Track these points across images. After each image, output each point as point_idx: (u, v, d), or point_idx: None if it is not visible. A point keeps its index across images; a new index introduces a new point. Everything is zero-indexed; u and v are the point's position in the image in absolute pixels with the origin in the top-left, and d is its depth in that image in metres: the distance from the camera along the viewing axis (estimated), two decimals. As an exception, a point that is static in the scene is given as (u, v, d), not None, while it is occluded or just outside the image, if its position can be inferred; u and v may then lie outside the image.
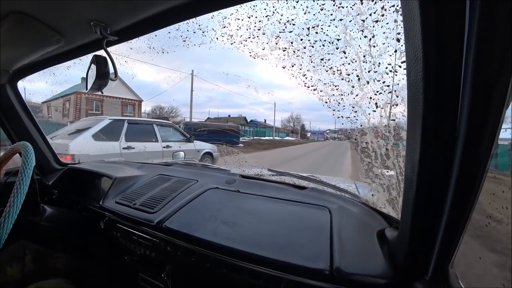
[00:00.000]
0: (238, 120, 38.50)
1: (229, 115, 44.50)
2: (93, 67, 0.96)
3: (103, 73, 0.94)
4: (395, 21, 0.78)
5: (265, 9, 1.12)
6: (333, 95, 1.07)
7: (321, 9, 0.96)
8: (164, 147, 5.46)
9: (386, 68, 0.87)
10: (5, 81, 1.41)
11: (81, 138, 4.38)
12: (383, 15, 0.81)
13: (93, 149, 4.30)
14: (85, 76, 1.04)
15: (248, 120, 45.29)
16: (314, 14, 0.98)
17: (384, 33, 0.83)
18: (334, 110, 1.09)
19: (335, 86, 1.05)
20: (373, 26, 0.84)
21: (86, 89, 1.03)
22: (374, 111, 0.96)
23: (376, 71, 0.89)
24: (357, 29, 0.86)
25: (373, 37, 0.86)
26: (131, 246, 1.13)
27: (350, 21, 0.87)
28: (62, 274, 1.35)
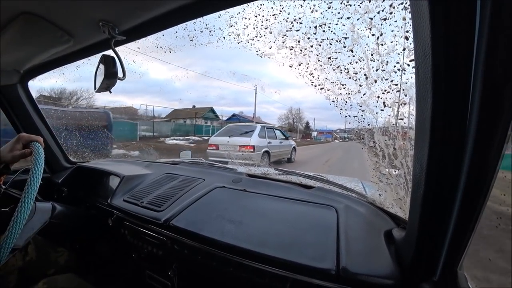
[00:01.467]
0: (201, 112, 31.01)
1: (193, 106, 34.47)
2: (102, 66, 0.97)
3: (111, 72, 0.95)
4: (404, 19, 0.77)
5: (272, 7, 1.11)
6: (341, 94, 1.06)
7: (329, 7, 0.95)
8: (279, 142, 8.77)
9: (394, 66, 0.86)
10: (16, 81, 1.44)
11: (254, 136, 7.66)
12: (391, 13, 0.80)
13: (259, 143, 7.63)
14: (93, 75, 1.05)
15: (231, 114, 36.33)
16: (321, 13, 0.98)
17: (392, 31, 0.82)
18: (341, 109, 1.08)
19: (343, 85, 1.04)
20: (381, 24, 0.83)
21: (95, 88, 1.04)
22: (382, 110, 0.95)
23: (384, 70, 0.88)
24: (365, 27, 0.85)
25: (381, 35, 0.85)
26: (139, 243, 1.14)
27: (357, 19, 0.86)
28: (64, 268, 1.38)
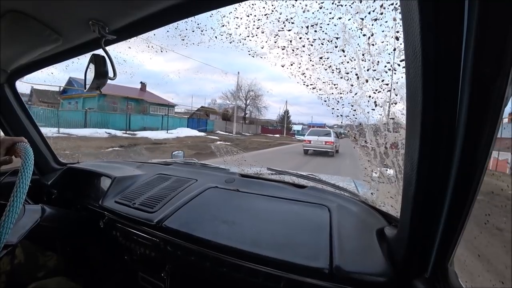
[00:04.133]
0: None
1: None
2: (92, 66, 0.96)
3: (102, 72, 0.94)
4: (394, 19, 0.78)
5: (263, 7, 1.11)
6: (332, 93, 1.07)
7: (320, 8, 0.95)
8: (337, 139, 12.07)
9: (385, 66, 0.87)
10: (3, 80, 1.41)
11: (332, 136, 11.65)
12: (382, 14, 0.81)
13: (334, 140, 11.52)
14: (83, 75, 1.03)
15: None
16: (313, 13, 0.98)
17: (383, 31, 0.83)
18: (333, 108, 1.09)
19: (334, 84, 1.05)
20: (372, 25, 0.84)
21: (85, 88, 1.02)
22: (373, 109, 0.96)
23: (375, 70, 0.89)
24: (356, 27, 0.86)
25: (372, 35, 0.85)
26: (131, 245, 1.13)
27: (349, 20, 0.87)
28: (54, 271, 1.35)
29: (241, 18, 1.18)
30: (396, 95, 0.86)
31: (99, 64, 0.94)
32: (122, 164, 1.78)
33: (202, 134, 20.54)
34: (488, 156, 0.44)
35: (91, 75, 0.96)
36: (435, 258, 0.55)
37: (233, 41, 1.56)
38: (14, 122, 1.54)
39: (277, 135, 33.28)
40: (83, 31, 0.92)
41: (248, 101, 35.38)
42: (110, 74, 0.95)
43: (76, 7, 0.79)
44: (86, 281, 1.41)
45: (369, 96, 0.94)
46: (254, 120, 36.47)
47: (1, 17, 0.80)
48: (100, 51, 0.96)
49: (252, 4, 1.04)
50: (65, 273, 1.37)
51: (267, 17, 1.12)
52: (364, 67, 0.91)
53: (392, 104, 0.90)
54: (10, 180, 0.94)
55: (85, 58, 1.06)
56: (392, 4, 0.77)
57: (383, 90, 0.91)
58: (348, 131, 1.14)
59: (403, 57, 0.50)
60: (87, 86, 0.99)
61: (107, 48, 0.95)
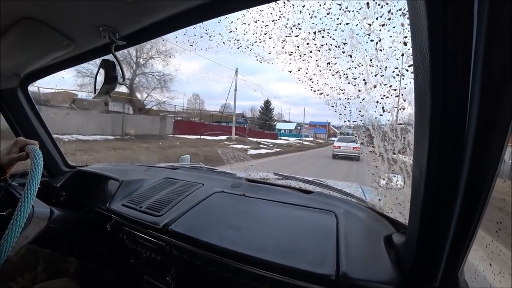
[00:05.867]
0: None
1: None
2: (102, 71, 0.98)
3: (112, 77, 0.96)
4: (402, 24, 0.77)
5: (271, 13, 1.12)
6: (340, 99, 1.07)
7: (328, 13, 0.96)
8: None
9: (393, 72, 0.87)
10: (16, 85, 1.44)
11: (358, 142, 10.54)
12: (389, 19, 0.81)
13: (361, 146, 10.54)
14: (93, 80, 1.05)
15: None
16: (320, 18, 0.99)
17: (391, 36, 0.83)
18: (340, 114, 1.09)
19: (342, 90, 1.05)
20: (380, 30, 0.83)
21: (94, 93, 1.04)
22: (381, 115, 0.95)
23: (383, 75, 0.89)
24: (364, 33, 0.86)
25: (379, 41, 0.85)
26: (137, 248, 1.13)
27: (356, 25, 0.87)
28: (72, 277, 1.36)
29: (248, 24, 1.19)
30: (404, 100, 0.86)
31: (109, 69, 0.96)
32: (129, 167, 1.79)
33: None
34: (499, 163, 0.43)
35: (101, 79, 0.98)
36: (444, 266, 0.54)
37: (241, 46, 1.57)
38: (26, 124, 1.58)
39: (215, 137, 18.65)
40: (93, 37, 0.94)
41: (138, 70, 17.95)
42: (120, 79, 0.97)
43: (87, 14, 0.81)
44: (91, 283, 1.41)
45: (377, 102, 0.94)
46: (148, 108, 19.69)
47: (15, 23, 0.82)
48: (110, 56, 0.98)
49: (260, 10, 1.05)
50: (70, 274, 1.38)
51: (275, 23, 1.13)
52: (371, 73, 0.90)
53: (400, 109, 0.89)
54: (20, 182, 0.95)
55: (94, 63, 1.08)
56: (400, 9, 0.77)
57: (391, 95, 0.90)
58: (355, 135, 1.14)
59: (411, 62, 0.49)
60: (97, 91, 1.01)
61: (116, 53, 0.97)
